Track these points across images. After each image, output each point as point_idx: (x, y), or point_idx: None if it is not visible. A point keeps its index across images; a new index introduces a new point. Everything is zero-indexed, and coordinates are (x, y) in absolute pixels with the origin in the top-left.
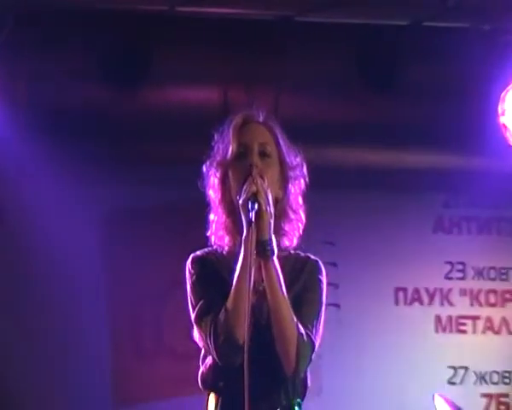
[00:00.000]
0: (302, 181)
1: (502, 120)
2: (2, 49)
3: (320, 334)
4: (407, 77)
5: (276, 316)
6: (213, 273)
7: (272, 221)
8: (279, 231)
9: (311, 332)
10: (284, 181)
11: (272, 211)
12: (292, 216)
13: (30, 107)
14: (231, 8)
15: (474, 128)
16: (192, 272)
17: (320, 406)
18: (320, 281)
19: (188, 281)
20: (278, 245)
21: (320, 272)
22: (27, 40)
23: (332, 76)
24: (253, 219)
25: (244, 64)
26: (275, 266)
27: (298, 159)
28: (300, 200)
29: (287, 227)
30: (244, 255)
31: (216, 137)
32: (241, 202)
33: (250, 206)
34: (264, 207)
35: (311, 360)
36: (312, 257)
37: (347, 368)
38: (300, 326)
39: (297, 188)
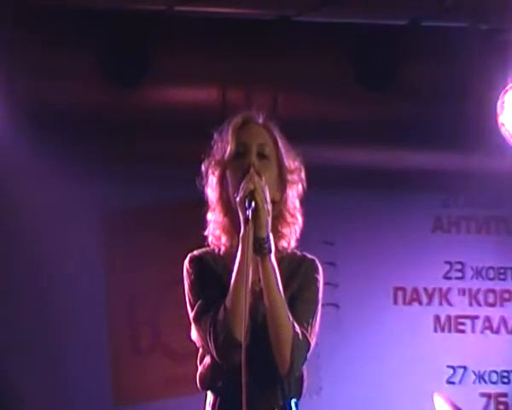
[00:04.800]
0: (300, 185)
1: (501, 119)
2: (2, 49)
3: (316, 333)
4: (406, 77)
5: (271, 314)
6: (211, 273)
7: (270, 219)
8: (276, 234)
9: (307, 331)
10: (282, 184)
11: (270, 209)
12: (289, 219)
13: (29, 106)
14: (230, 7)
15: (473, 128)
16: (190, 271)
17: (319, 405)
18: (316, 280)
19: (186, 280)
20: (275, 246)
21: (316, 270)
22: (27, 40)
23: (330, 76)
24: (250, 217)
25: (242, 64)
26: (272, 264)
27: (296, 163)
28: (298, 203)
29: (284, 230)
30: (241, 253)
31: (215, 136)
32: (238, 199)
33: (247, 203)
34: (261, 205)
35: (306, 359)
36: (309, 256)
37: (346, 367)
38: (296, 325)
39: (295, 192)
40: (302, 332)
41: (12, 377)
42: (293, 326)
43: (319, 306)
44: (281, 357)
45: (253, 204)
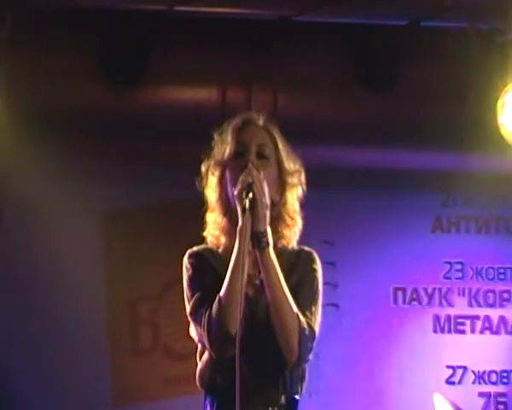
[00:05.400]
0: (300, 188)
1: (501, 119)
2: (2, 49)
3: (319, 322)
4: (405, 77)
5: (276, 306)
6: (209, 268)
7: (268, 213)
8: (276, 234)
9: (311, 320)
10: (282, 186)
11: (268, 203)
12: (289, 222)
13: (30, 105)
14: (230, 7)
15: (473, 128)
16: (188, 266)
17: (318, 405)
18: (315, 270)
19: (184, 275)
20: (275, 245)
21: (314, 261)
22: (27, 40)
23: (331, 76)
24: (248, 206)
25: (243, 64)
26: (271, 258)
27: (297, 165)
28: (297, 206)
29: (284, 231)
30: (238, 245)
31: (215, 137)
32: (236, 192)
33: (245, 194)
34: (259, 197)
35: (312, 348)
36: (306, 248)
37: (345, 367)
38: (300, 316)
39: (294, 194)
40: (307, 322)
41: (12, 376)
42: (298, 317)
43: (320, 295)
44: (288, 348)
45: (250, 195)
